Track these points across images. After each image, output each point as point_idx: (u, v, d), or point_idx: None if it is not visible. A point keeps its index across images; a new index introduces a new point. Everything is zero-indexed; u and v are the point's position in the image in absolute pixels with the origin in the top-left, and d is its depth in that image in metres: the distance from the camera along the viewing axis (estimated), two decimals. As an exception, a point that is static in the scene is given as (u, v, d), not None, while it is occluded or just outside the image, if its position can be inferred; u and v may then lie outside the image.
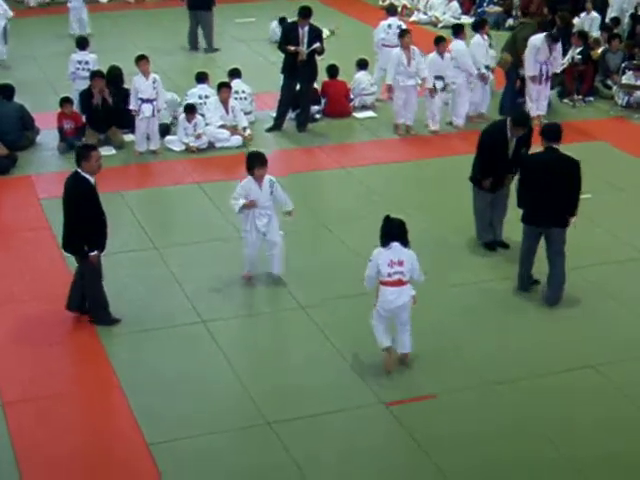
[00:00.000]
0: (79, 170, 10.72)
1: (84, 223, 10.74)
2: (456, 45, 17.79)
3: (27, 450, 9.24)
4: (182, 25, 23.39)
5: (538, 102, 17.94)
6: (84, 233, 10.81)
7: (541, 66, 17.72)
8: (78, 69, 18.00)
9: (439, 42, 17.61)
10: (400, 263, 10.15)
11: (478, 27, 18.18)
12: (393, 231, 10.25)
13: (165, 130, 16.98)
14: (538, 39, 17.63)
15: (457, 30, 18.05)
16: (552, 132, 11.73)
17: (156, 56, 18.91)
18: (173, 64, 20.43)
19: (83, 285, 11.19)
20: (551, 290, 11.90)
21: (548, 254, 11.86)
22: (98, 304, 11.24)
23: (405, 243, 10.24)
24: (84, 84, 17.34)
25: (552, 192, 11.50)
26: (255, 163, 11.88)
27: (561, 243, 11.77)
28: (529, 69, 17.78)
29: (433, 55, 17.51)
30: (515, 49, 18.38)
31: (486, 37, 18.06)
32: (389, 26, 19.37)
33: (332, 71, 18.57)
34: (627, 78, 19.34)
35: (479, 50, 17.84)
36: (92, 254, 10.88)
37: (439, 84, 17.48)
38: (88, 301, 11.28)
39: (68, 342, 11.09)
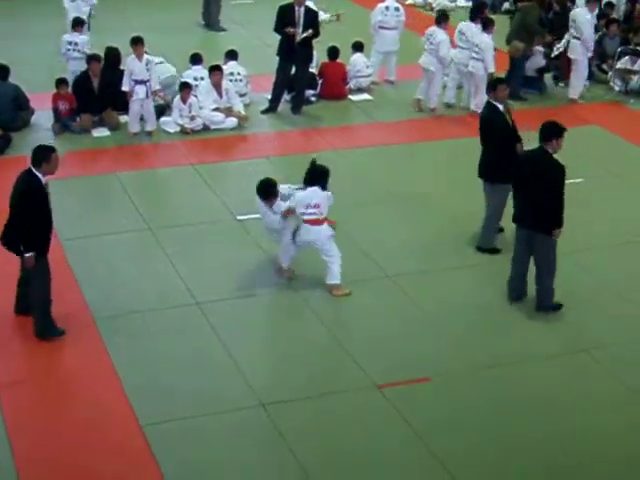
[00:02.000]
0: (33, 169, 10.38)
1: (26, 222, 10.31)
2: (438, 35, 17.74)
3: (20, 431, 9.28)
4: (183, 4, 23.31)
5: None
6: (24, 232, 10.36)
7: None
8: (69, 50, 17.97)
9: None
10: (316, 206, 11.45)
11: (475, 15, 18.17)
12: (315, 176, 11.57)
13: (160, 111, 16.97)
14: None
15: (441, 19, 17.99)
16: (548, 132, 11.25)
17: (154, 36, 18.80)
18: (171, 44, 20.31)
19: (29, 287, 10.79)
20: (536, 298, 11.53)
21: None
22: (40, 309, 10.68)
23: (324, 187, 11.51)
24: (76, 65, 17.37)
25: (535, 193, 11.07)
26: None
27: (545, 252, 11.19)
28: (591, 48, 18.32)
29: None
30: (527, 35, 18.35)
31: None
32: (386, 8, 19.27)
33: (332, 53, 18.54)
34: (623, 63, 19.33)
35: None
36: (27, 255, 10.38)
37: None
38: (31, 304, 10.76)
39: (61, 323, 11.08)
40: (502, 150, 12.18)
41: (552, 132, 11.20)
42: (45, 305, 10.70)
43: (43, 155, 10.46)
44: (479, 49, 17.30)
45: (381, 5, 19.47)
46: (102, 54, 17.02)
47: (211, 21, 22.98)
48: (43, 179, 10.42)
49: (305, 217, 11.51)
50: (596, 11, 18.91)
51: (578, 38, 18.20)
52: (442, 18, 17.95)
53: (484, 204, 12.63)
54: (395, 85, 19.30)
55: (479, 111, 17.06)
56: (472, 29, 17.77)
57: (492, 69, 17.20)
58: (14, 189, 10.55)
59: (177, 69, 17.91)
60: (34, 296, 10.72)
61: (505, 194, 12.11)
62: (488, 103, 12.39)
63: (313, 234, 11.56)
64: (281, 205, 11.54)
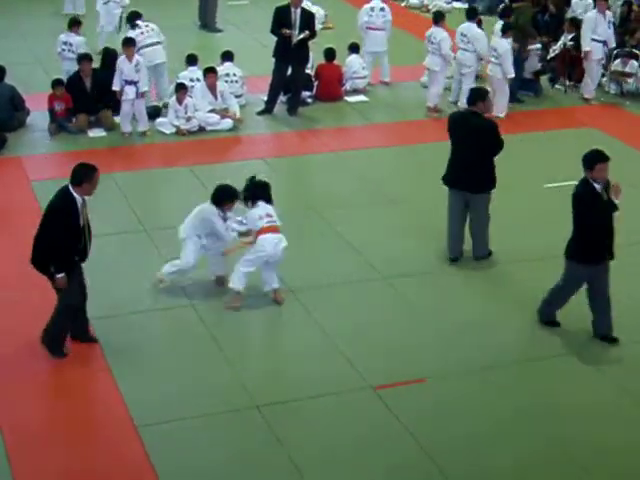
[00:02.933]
0: (70, 187, 9.92)
1: (56, 241, 9.92)
2: (438, 33, 17.81)
3: (15, 431, 9.24)
4: (179, 4, 23.32)
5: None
6: (54, 252, 9.97)
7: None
8: (64, 50, 17.97)
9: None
10: (269, 215, 11.19)
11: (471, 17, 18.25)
12: (257, 192, 11.30)
13: (156, 113, 16.96)
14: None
15: (438, 18, 18.09)
16: (472, 95, 12.19)
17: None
18: (167, 45, 20.29)
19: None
20: (474, 243, 12.38)
21: (469, 218, 12.28)
22: (56, 332, 10.37)
23: (268, 200, 11.32)
24: (70, 65, 17.38)
25: (467, 153, 11.98)
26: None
27: (481, 210, 12.13)
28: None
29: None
30: (521, 36, 18.40)
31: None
32: (372, 9, 19.30)
33: (329, 54, 18.56)
34: (616, 65, 19.36)
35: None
36: (59, 276, 9.98)
37: None
38: (49, 322, 10.35)
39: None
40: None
41: (476, 96, 12.15)
42: (61, 328, 10.36)
43: (84, 173, 9.95)
44: (497, 54, 17.45)
45: (366, 6, 19.50)
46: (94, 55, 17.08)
47: (207, 22, 22.99)
48: (79, 198, 9.90)
49: (265, 225, 11.12)
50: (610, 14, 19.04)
51: (596, 40, 18.26)
52: (439, 17, 18.17)
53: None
54: (391, 86, 19.31)
55: (501, 115, 17.22)
56: (473, 30, 17.83)
57: (511, 74, 17.42)
58: (47, 207, 10.13)
59: (173, 70, 17.88)
60: (54, 323, 10.30)
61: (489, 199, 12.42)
62: (585, 182, 10.83)
63: (274, 244, 11.14)
64: (234, 227, 11.41)
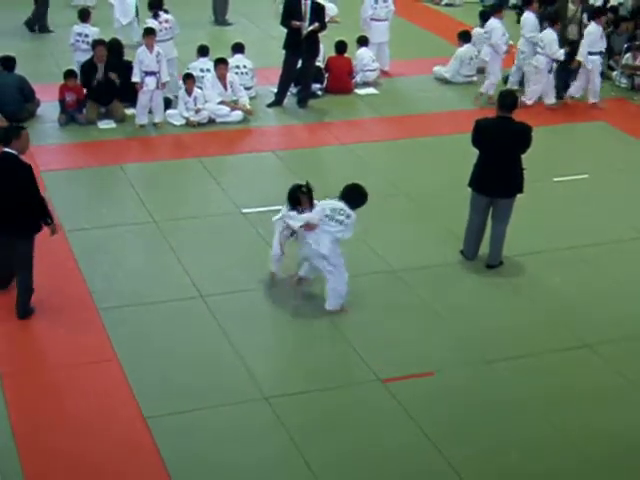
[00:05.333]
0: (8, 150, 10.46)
1: (38, 196, 10.62)
2: (491, 23, 18.07)
3: (23, 422, 9.28)
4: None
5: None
6: (42, 206, 10.68)
7: None
8: (78, 41, 17.94)
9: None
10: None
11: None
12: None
13: (166, 104, 16.97)
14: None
15: (494, 10, 18.40)
16: (505, 101, 11.89)
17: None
18: (179, 38, 20.30)
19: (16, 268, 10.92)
20: (491, 249, 12.22)
21: (492, 219, 12.11)
22: (29, 292, 10.86)
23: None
24: (84, 56, 17.29)
25: (499, 160, 11.75)
26: None
27: (507, 213, 12.01)
28: None
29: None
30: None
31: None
32: (375, 1, 19.36)
33: (340, 47, 18.55)
34: (626, 59, 19.31)
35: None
36: (55, 223, 10.86)
37: None
38: (20, 287, 10.84)
39: (65, 315, 11.10)
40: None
41: (510, 102, 11.91)
42: (31, 287, 10.85)
43: (13, 133, 10.55)
44: (544, 44, 17.58)
45: None
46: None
47: (217, 16, 22.94)
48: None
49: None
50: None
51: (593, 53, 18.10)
52: (496, 7, 18.50)
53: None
54: (401, 79, 19.28)
55: (529, 102, 17.61)
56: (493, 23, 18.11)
57: (561, 56, 17.71)
58: (10, 175, 10.47)
59: (185, 63, 17.87)
60: (24, 278, 10.79)
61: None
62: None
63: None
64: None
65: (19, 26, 21.33)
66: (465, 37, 19.29)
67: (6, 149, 10.42)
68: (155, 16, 17.69)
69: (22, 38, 20.74)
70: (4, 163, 10.45)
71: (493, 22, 17.99)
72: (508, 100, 11.93)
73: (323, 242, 10.94)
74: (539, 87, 17.88)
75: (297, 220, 11.12)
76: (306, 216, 11.09)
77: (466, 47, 19.14)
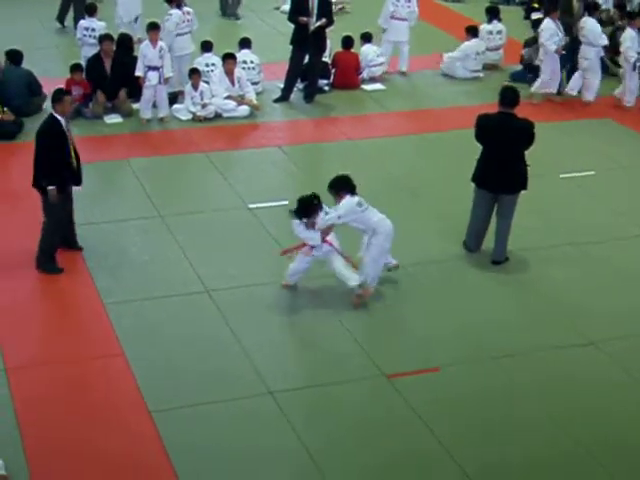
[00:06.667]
0: (52, 112, 11.61)
1: (47, 159, 11.45)
2: (544, 22, 17.93)
3: (29, 415, 9.31)
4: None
5: None
6: (45, 169, 11.45)
7: None
8: (85, 36, 17.97)
9: None
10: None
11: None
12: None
13: (173, 99, 16.97)
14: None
15: (550, 9, 18.18)
16: (506, 97, 11.89)
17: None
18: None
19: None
20: (496, 245, 12.23)
21: (496, 216, 12.14)
22: (46, 248, 11.63)
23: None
24: (91, 51, 17.31)
25: (502, 156, 11.79)
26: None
27: (511, 210, 12.05)
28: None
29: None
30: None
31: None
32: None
33: (347, 42, 18.55)
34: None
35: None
36: (50, 188, 11.40)
37: None
38: (39, 241, 11.67)
39: (71, 308, 11.13)
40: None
41: (511, 98, 11.90)
42: (51, 244, 11.67)
43: (55, 96, 11.63)
44: (584, 33, 17.72)
45: None
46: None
47: (229, 8, 22.91)
48: (62, 120, 11.46)
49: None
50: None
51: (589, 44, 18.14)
52: (551, 8, 18.15)
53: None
54: (408, 75, 19.26)
55: (592, 99, 17.81)
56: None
57: (605, 42, 17.82)
58: (37, 132, 11.69)
59: (193, 57, 17.86)
60: (44, 231, 11.65)
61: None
62: None
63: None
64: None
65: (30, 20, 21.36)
66: (473, 31, 19.27)
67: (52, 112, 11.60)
68: (179, 6, 17.65)
69: (32, 32, 20.75)
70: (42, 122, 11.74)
71: (546, 22, 17.77)
72: (509, 96, 11.93)
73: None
74: (597, 82, 17.99)
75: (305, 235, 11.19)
76: (306, 237, 11.17)
77: (474, 41, 19.13)
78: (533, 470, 8.91)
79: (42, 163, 11.51)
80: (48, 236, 11.66)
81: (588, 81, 17.98)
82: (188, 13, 17.83)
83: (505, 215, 12.11)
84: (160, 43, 16.30)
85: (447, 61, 19.24)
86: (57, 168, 11.49)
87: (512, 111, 11.85)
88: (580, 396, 9.90)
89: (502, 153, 11.86)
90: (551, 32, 17.66)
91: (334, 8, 20.14)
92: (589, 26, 17.68)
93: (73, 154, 11.60)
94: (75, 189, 11.90)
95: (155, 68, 16.20)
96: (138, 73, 16.24)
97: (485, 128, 12.00)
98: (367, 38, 19.10)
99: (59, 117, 11.49)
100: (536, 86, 18.01)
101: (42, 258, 11.66)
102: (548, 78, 17.96)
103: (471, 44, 19.09)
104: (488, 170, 12.01)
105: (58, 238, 11.78)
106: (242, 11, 22.92)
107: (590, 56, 17.78)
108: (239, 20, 22.64)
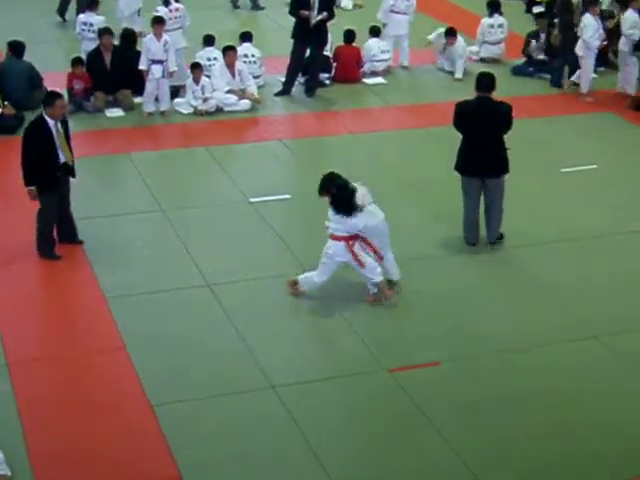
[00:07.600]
0: (43, 113, 11.59)
1: (30, 160, 11.55)
2: (585, 19, 17.80)
3: (31, 409, 9.31)
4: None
5: None
6: (29, 169, 11.60)
7: None
8: (84, 30, 17.99)
9: None
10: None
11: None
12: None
13: (174, 93, 16.96)
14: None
15: (589, 4, 18.03)
16: (482, 82, 12.09)
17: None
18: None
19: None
20: (488, 230, 12.43)
21: (485, 202, 12.29)
22: (42, 228, 11.87)
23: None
24: (91, 45, 17.33)
25: (482, 140, 12.02)
26: None
27: (499, 194, 12.20)
28: None
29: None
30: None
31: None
32: None
33: (348, 36, 18.53)
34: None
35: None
36: (28, 189, 11.64)
37: None
38: (36, 222, 11.90)
39: (72, 302, 11.13)
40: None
41: (487, 83, 12.13)
42: (45, 237, 11.86)
43: (46, 100, 11.64)
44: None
45: None
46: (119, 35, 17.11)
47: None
48: (51, 122, 11.46)
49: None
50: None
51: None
52: (589, 3, 18.01)
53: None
54: (409, 69, 19.26)
55: (632, 93, 17.63)
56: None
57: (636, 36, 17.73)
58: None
59: (195, 51, 17.85)
60: (37, 227, 11.86)
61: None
62: None
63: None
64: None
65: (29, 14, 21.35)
66: (494, 6, 19.71)
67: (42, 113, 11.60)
68: (166, 4, 17.65)
69: (32, 24, 20.74)
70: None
71: (587, 18, 17.66)
72: (485, 81, 12.15)
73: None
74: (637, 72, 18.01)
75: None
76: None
77: (494, 18, 19.67)
78: (534, 466, 8.91)
79: (26, 163, 11.57)
80: (43, 218, 11.81)
81: (582, 73, 18.03)
82: (177, 10, 17.78)
83: (494, 201, 12.29)
84: (165, 37, 16.29)
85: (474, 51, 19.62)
86: (41, 169, 11.55)
87: (489, 95, 12.08)
88: (585, 392, 9.86)
89: (483, 137, 12.08)
90: (596, 28, 17.66)
91: (355, 8, 20.26)
92: (586, 24, 17.60)
93: (64, 154, 11.62)
94: (72, 180, 11.96)
95: (159, 62, 16.20)
96: (142, 66, 16.24)
97: (465, 113, 12.23)
98: (375, 32, 19.08)
99: (48, 119, 11.48)
100: (583, 84, 18.00)
101: (40, 238, 11.82)
102: (591, 75, 18.01)
103: (487, 19, 19.60)
104: (471, 156, 12.23)
105: (54, 219, 11.89)
106: (241, 4, 22.91)
107: (582, 52, 17.71)
108: (262, 10, 22.62)
